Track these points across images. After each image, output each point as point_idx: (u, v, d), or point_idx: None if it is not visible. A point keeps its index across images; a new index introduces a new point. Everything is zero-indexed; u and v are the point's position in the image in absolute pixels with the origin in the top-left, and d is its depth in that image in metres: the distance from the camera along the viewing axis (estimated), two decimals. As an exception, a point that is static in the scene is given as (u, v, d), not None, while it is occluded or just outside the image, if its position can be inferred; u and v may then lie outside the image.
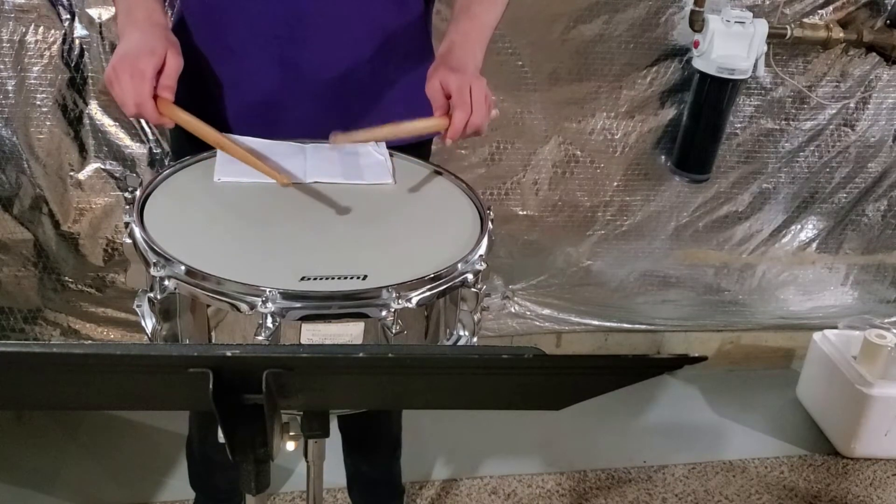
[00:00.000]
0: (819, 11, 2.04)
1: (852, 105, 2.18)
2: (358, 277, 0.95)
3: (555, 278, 2.28)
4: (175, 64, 1.11)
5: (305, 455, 1.14)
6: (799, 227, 2.36)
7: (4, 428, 2.03)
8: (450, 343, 1.07)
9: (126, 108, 1.09)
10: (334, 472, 1.75)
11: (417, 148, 1.31)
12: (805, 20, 2.03)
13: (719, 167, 2.19)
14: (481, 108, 1.12)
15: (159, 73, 1.10)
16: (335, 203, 1.12)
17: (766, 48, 1.99)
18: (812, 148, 2.23)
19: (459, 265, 0.99)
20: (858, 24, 2.06)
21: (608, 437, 2.23)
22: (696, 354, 0.72)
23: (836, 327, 2.38)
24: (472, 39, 1.23)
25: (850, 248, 2.41)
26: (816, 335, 2.37)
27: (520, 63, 1.95)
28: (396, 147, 1.26)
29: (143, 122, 1.84)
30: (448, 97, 1.14)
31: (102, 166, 1.88)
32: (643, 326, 2.43)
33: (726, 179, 2.24)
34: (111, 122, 1.84)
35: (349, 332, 0.94)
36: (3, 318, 1.99)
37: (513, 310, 2.30)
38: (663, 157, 2.16)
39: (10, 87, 1.74)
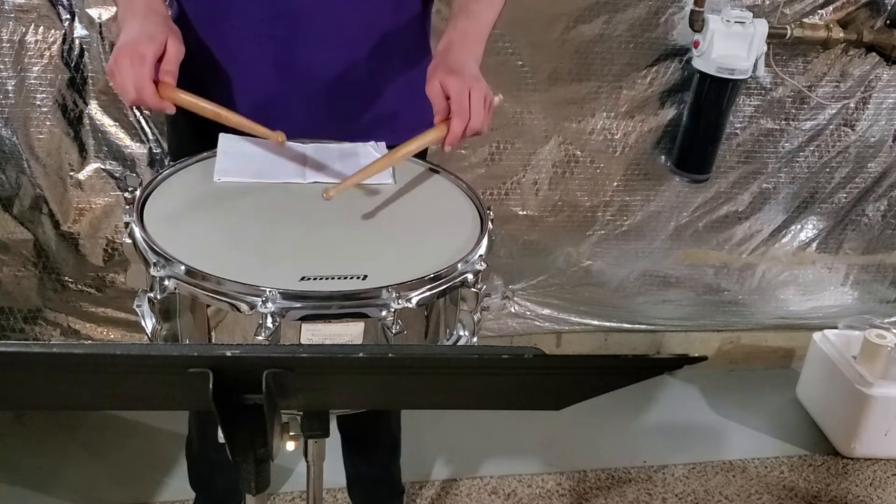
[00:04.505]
0: (819, 11, 2.04)
1: (852, 105, 2.18)
2: (358, 277, 0.95)
3: (555, 278, 2.28)
4: (175, 50, 1.10)
5: (305, 455, 1.14)
6: (799, 227, 2.36)
7: (4, 428, 2.03)
8: (450, 343, 1.07)
9: (127, 93, 1.07)
10: (334, 472, 1.75)
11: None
12: (805, 20, 2.03)
13: (719, 167, 2.19)
14: (479, 114, 1.12)
15: (160, 60, 1.09)
16: (335, 203, 1.11)
17: (766, 48, 1.98)
18: (812, 148, 2.23)
19: (459, 265, 0.99)
20: (858, 24, 2.06)
21: (608, 437, 2.23)
22: (696, 354, 0.72)
23: (836, 327, 2.38)
24: (471, 38, 1.23)
25: (850, 248, 2.41)
26: (816, 335, 2.37)
27: (520, 63, 1.95)
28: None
29: (143, 121, 1.84)
30: (447, 99, 1.14)
31: (102, 166, 1.88)
32: (643, 326, 2.43)
33: (726, 179, 2.24)
34: (111, 122, 1.84)
35: (349, 332, 0.94)
36: (3, 318, 1.99)
37: (513, 310, 2.30)
38: (663, 157, 2.16)
39: (10, 87, 1.74)
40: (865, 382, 2.16)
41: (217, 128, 1.21)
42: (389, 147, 1.25)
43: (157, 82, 1.08)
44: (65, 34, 1.73)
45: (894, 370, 2.19)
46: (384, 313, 0.92)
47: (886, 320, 2.49)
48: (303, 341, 0.93)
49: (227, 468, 0.91)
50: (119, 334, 2.07)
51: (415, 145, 1.15)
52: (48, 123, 1.80)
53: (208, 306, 0.96)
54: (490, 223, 1.08)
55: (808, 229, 2.36)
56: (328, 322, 0.92)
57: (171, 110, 1.11)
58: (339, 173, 1.18)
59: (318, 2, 1.22)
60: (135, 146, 1.87)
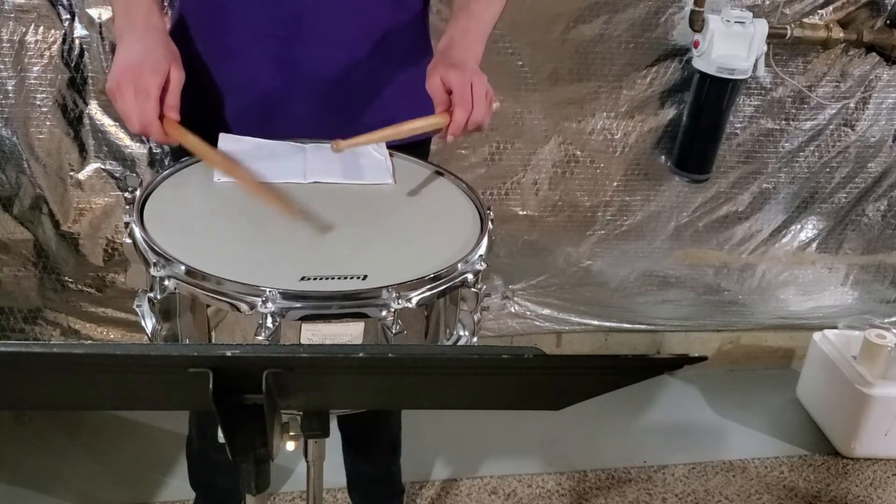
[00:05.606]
0: (819, 11, 2.04)
1: (852, 105, 2.18)
2: (358, 277, 0.95)
3: (555, 278, 2.28)
4: (178, 79, 1.10)
5: (305, 455, 1.14)
6: (799, 227, 2.36)
7: (4, 428, 2.03)
8: (450, 343, 1.07)
9: (131, 126, 1.07)
10: (334, 472, 1.75)
11: (416, 147, 1.31)
12: (805, 20, 2.03)
13: (719, 167, 2.19)
14: (482, 105, 1.13)
15: (164, 89, 1.08)
16: (335, 203, 1.12)
17: (766, 48, 1.99)
18: (812, 148, 2.23)
19: (459, 265, 0.99)
20: (858, 24, 2.06)
21: (608, 437, 2.23)
22: (696, 354, 0.72)
23: (836, 327, 2.38)
24: (472, 36, 1.23)
25: (850, 248, 2.41)
26: (816, 335, 2.37)
27: (520, 63, 1.95)
28: (396, 147, 1.26)
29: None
30: (449, 93, 1.14)
31: (102, 166, 1.88)
32: (643, 326, 2.43)
33: (726, 179, 2.24)
34: (111, 122, 1.84)
35: (349, 332, 0.94)
36: (3, 318, 1.99)
37: (513, 310, 2.30)
38: (663, 157, 2.16)
39: (10, 87, 1.74)
40: (865, 382, 2.16)
41: (217, 128, 1.21)
42: (389, 148, 1.25)
43: (161, 116, 1.08)
44: (65, 34, 1.73)
45: (894, 370, 2.19)
46: (384, 313, 0.92)
47: (886, 320, 2.49)
48: (303, 341, 0.93)
49: (227, 468, 0.91)
50: (119, 334, 2.07)
51: (419, 124, 1.15)
52: (48, 123, 1.80)
53: (208, 306, 0.96)
54: (490, 223, 1.08)
55: (808, 229, 2.36)
56: (328, 322, 0.92)
57: (175, 144, 1.11)
58: (340, 172, 1.18)
59: (319, 1, 1.22)
60: (135, 146, 1.87)
